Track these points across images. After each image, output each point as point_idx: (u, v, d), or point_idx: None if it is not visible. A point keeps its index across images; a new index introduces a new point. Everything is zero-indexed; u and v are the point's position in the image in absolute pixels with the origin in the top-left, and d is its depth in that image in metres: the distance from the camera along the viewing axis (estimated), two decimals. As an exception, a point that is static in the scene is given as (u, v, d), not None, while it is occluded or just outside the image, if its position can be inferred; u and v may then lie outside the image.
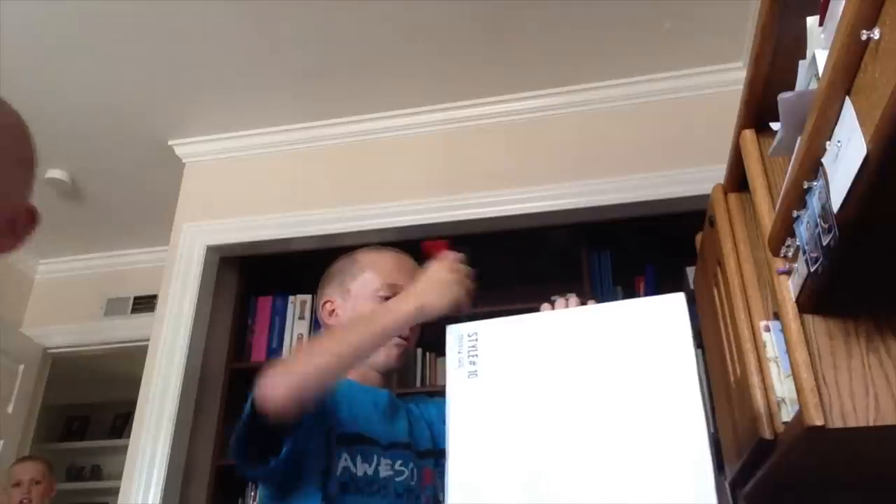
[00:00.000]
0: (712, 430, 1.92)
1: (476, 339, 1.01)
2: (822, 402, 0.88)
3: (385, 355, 1.20)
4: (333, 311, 1.26)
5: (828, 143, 0.78)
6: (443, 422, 1.09)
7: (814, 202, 0.83)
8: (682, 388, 0.91)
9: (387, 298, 1.18)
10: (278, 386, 0.98)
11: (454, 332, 1.03)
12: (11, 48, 2.28)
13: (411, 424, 1.24)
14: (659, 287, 2.65)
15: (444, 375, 1.01)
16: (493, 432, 0.95)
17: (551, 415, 0.92)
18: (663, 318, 0.94)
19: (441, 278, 1.05)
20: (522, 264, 2.68)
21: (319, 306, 1.30)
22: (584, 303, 1.11)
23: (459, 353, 1.00)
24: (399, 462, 1.17)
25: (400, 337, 1.18)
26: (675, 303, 0.94)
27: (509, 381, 0.97)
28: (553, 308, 1.13)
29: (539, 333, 1.00)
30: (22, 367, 3.22)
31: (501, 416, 0.95)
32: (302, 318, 2.77)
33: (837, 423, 0.87)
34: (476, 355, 1.00)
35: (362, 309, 1.20)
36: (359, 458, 1.12)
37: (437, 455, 1.21)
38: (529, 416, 0.94)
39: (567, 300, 1.13)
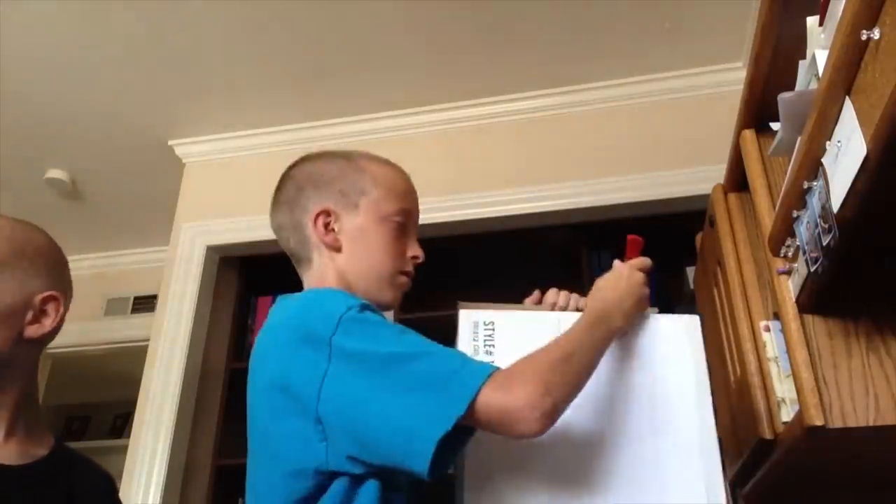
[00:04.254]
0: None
1: (493, 329, 1.00)
2: (822, 402, 0.88)
3: (393, 295, 1.06)
4: (329, 224, 1.04)
5: (828, 143, 0.78)
6: None
7: (814, 202, 0.83)
8: (694, 396, 0.93)
9: (400, 227, 1.05)
10: (547, 412, 0.81)
11: (469, 318, 1.00)
12: (12, 48, 2.28)
13: None
14: (659, 287, 2.65)
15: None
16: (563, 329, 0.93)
17: (568, 414, 0.93)
18: (680, 333, 0.98)
19: (641, 291, 1.03)
20: (522, 264, 2.68)
21: (305, 216, 1.05)
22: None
23: (475, 340, 0.99)
24: None
25: (406, 275, 1.07)
26: (692, 322, 1.01)
27: None
28: (541, 297, 1.14)
29: (557, 331, 0.97)
30: (22, 367, 3.22)
31: None
32: (302, 318, 2.77)
33: (837, 423, 0.87)
34: (493, 344, 0.98)
35: (372, 231, 1.04)
36: None
37: None
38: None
39: (569, 298, 1.13)
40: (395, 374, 0.83)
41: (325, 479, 0.86)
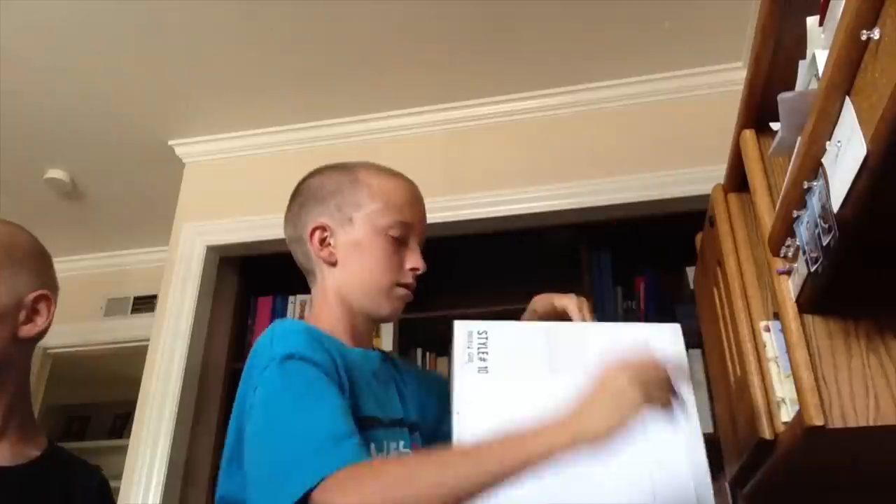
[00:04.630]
0: (712, 431, 1.93)
1: (486, 338, 1.03)
2: (822, 402, 0.88)
3: (391, 308, 1.05)
4: (326, 239, 1.05)
5: (828, 143, 0.78)
6: (429, 394, 1.10)
7: (814, 202, 0.83)
8: (680, 398, 0.94)
9: (397, 240, 1.05)
10: None
11: (463, 329, 1.03)
12: (11, 48, 2.28)
13: (399, 391, 1.09)
14: (659, 288, 2.65)
15: (445, 374, 1.02)
16: (502, 430, 0.95)
17: None
18: (663, 342, 1.00)
19: (618, 393, 0.78)
20: (522, 264, 2.68)
21: (305, 232, 1.06)
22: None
23: (469, 348, 1.02)
24: (402, 443, 1.01)
25: (407, 288, 1.06)
26: (674, 330, 1.03)
27: (518, 382, 0.99)
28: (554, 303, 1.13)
29: (547, 341, 1.01)
30: (22, 367, 3.22)
31: (510, 415, 0.95)
32: (302, 318, 2.77)
33: (837, 423, 0.87)
34: (486, 353, 1.01)
35: (367, 245, 1.04)
36: (373, 447, 0.93)
37: (420, 429, 1.09)
38: (537, 417, 0.95)
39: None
40: (264, 443, 0.84)
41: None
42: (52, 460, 1.00)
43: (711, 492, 0.90)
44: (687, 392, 0.94)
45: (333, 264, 1.05)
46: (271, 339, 0.93)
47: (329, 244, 1.05)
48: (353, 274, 1.04)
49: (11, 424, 0.96)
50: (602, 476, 0.91)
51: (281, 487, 0.78)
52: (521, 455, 0.76)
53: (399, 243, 1.06)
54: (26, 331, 0.97)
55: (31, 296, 0.98)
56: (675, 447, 0.93)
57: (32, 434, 1.00)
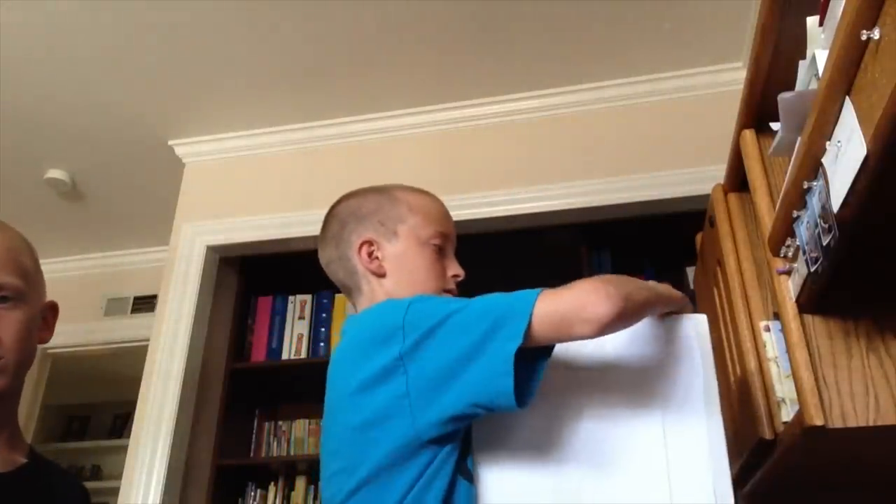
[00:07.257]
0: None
1: None
2: (822, 402, 0.89)
3: None
4: (372, 253, 1.10)
5: (828, 143, 0.78)
6: None
7: (814, 202, 0.83)
8: (703, 396, 0.93)
9: (438, 249, 1.11)
10: (616, 303, 0.84)
11: None
12: (11, 48, 2.28)
13: None
14: (659, 287, 2.65)
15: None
16: (518, 429, 0.94)
17: (576, 415, 0.93)
18: (688, 332, 0.98)
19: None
20: (522, 264, 2.68)
21: (350, 249, 1.12)
22: None
23: None
24: None
25: (449, 293, 1.12)
26: (700, 321, 1.00)
27: None
28: None
29: None
30: (22, 367, 3.22)
31: (525, 412, 0.94)
32: (302, 318, 2.77)
33: (837, 423, 0.87)
34: None
35: (413, 255, 1.10)
36: None
37: None
38: (553, 414, 0.95)
39: None
40: (458, 321, 0.90)
41: (413, 452, 0.88)
42: (38, 467, 0.99)
43: (731, 495, 0.89)
44: (713, 386, 0.94)
45: (382, 275, 1.10)
46: (390, 302, 0.99)
47: (377, 257, 1.10)
48: (402, 283, 1.09)
49: (6, 430, 0.96)
50: (617, 476, 0.91)
51: (507, 323, 0.85)
52: (662, 296, 0.97)
53: (440, 252, 1.12)
54: (42, 338, 0.98)
55: (47, 302, 1.00)
56: (696, 448, 0.92)
57: (19, 440, 0.99)
